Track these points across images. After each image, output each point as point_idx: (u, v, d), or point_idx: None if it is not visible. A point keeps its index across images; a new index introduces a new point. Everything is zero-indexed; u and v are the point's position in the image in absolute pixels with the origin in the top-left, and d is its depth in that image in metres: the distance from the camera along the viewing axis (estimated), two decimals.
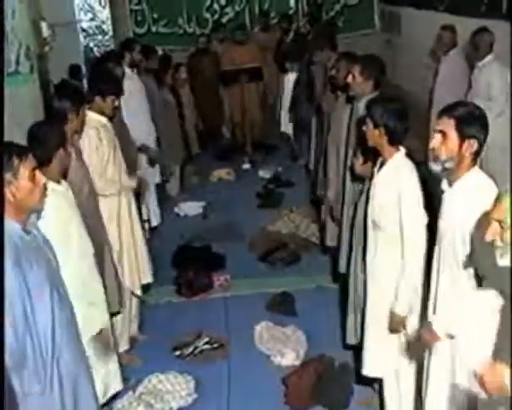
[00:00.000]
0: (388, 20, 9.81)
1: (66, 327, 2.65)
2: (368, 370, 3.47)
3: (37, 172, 2.51)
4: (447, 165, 2.64)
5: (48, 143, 3.09)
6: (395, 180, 3.14)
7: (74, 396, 2.68)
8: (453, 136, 2.61)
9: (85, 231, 3.33)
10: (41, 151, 2.99)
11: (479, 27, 5.67)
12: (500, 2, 5.84)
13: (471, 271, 2.63)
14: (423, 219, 3.11)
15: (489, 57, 5.55)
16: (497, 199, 2.10)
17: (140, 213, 4.72)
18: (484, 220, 2.33)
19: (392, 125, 3.14)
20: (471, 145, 2.60)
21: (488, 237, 2.10)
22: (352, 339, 3.91)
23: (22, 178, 2.44)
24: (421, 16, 8.19)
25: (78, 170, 3.66)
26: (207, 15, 10.26)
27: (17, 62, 4.20)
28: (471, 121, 2.61)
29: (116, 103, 4.33)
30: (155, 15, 10.06)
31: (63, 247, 2.98)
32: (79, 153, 3.79)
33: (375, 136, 3.20)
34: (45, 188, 2.59)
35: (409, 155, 3.24)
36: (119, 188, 4.20)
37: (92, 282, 3.32)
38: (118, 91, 4.35)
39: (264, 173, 8.29)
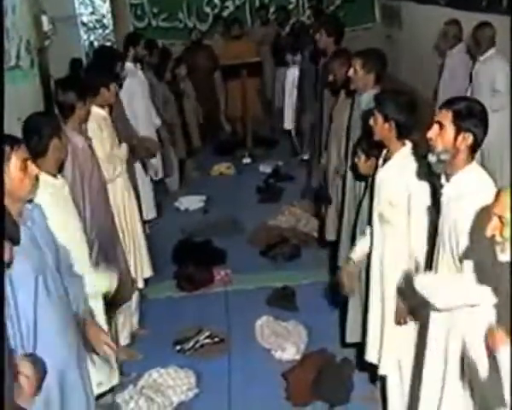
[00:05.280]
0: (389, 15, 9.78)
1: (57, 315, 2.59)
2: (370, 356, 3.47)
3: (30, 163, 2.49)
4: (442, 157, 2.64)
5: (42, 133, 3.05)
6: (404, 177, 3.14)
7: (61, 386, 2.61)
8: (449, 127, 2.61)
9: (80, 233, 3.29)
10: (36, 141, 2.98)
11: (480, 22, 5.67)
12: None
13: (470, 267, 2.62)
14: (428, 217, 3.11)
15: (491, 51, 5.54)
16: (498, 194, 2.12)
17: (139, 207, 4.69)
18: (483, 216, 2.33)
19: (403, 118, 3.15)
20: (466, 139, 2.60)
21: (488, 233, 2.12)
22: (352, 337, 3.92)
23: (13, 167, 2.41)
24: (422, 10, 8.18)
25: (88, 158, 3.69)
26: (207, 9, 10.23)
27: (17, 57, 4.20)
28: (468, 115, 2.61)
29: (116, 88, 4.48)
30: (155, 9, 10.04)
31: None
32: (90, 141, 3.79)
33: (384, 130, 3.19)
34: (37, 179, 2.56)
35: (414, 148, 3.24)
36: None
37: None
38: (115, 76, 4.55)
39: (265, 168, 8.27)
